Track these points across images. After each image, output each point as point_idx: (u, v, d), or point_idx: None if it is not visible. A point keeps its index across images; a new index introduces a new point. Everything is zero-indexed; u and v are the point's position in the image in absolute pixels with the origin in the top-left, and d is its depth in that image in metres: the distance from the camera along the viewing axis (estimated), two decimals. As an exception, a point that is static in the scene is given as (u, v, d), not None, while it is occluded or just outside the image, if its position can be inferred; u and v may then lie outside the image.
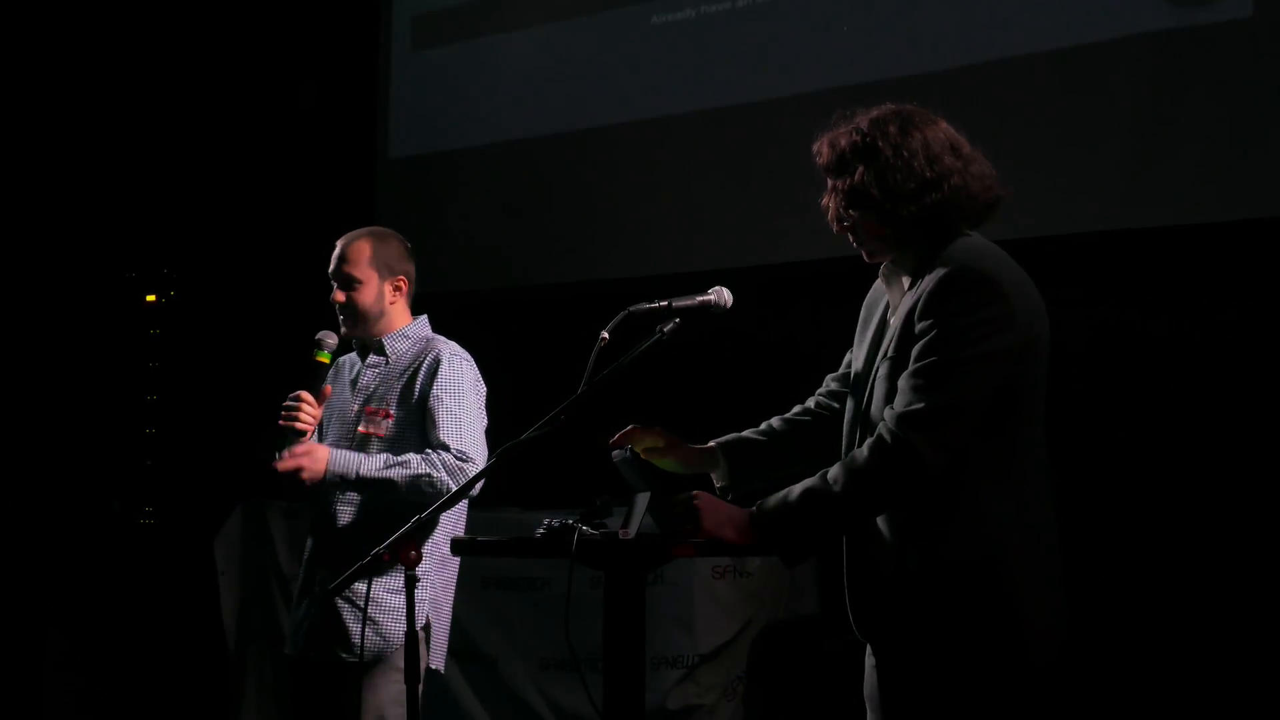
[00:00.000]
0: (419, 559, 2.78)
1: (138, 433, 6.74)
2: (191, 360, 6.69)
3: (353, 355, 3.72)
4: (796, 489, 2.45)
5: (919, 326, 2.43)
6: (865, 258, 2.64)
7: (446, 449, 3.41)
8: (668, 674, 4.62)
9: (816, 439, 2.77)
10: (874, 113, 2.58)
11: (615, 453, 2.67)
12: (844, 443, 2.61)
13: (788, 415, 2.84)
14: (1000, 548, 2.41)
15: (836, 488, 2.41)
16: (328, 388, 3.57)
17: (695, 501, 2.50)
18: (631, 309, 2.74)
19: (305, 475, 3.39)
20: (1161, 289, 4.51)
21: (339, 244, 3.65)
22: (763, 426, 2.84)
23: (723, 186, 5.35)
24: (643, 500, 2.55)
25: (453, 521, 3.54)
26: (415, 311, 3.70)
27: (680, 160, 5.48)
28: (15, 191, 6.58)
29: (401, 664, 3.29)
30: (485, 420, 3.55)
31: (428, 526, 3.31)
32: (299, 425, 3.46)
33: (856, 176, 2.54)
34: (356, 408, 3.59)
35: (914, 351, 2.42)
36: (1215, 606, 4.28)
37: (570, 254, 5.79)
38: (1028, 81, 4.69)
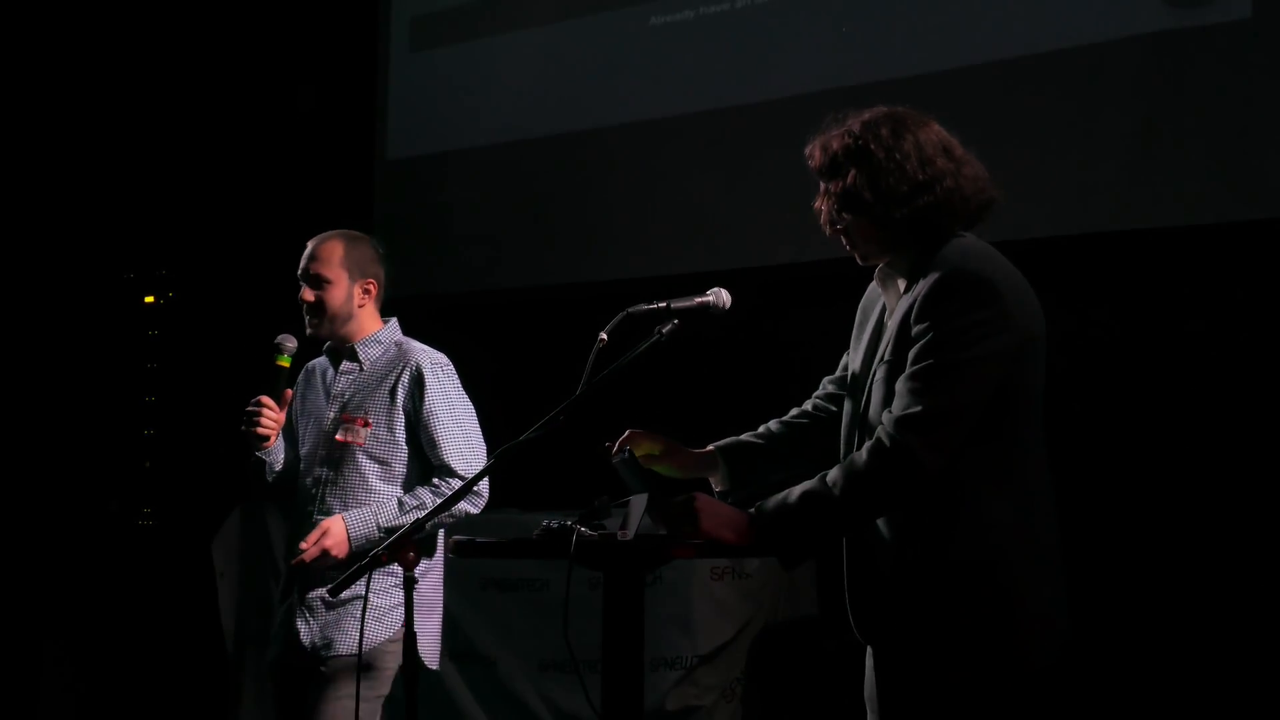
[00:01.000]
0: (417, 560, 2.79)
1: (136, 434, 6.74)
2: (190, 361, 6.69)
3: (323, 360, 3.70)
4: (795, 491, 2.45)
5: (915, 329, 2.43)
6: (859, 261, 2.64)
7: (454, 473, 3.41)
8: (666, 675, 4.62)
9: (815, 442, 2.77)
10: (866, 115, 2.58)
11: (614, 454, 2.67)
12: (842, 446, 2.61)
13: (786, 418, 2.84)
14: (1000, 549, 2.41)
15: (836, 490, 2.41)
16: (288, 391, 3.55)
17: (694, 503, 2.49)
18: (630, 310, 2.73)
19: (335, 554, 3.38)
20: (1161, 290, 4.51)
21: (310, 244, 3.63)
22: (760, 430, 2.83)
23: (722, 187, 5.35)
24: (641, 501, 2.55)
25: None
26: (404, 319, 3.68)
27: (679, 161, 5.48)
28: (15, 192, 6.58)
29: (372, 668, 3.34)
30: (479, 426, 3.54)
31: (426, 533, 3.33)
32: (260, 430, 3.48)
33: (849, 179, 2.54)
34: (333, 415, 3.56)
35: (911, 354, 2.42)
36: (1218, 607, 4.27)
37: (569, 255, 5.79)
38: (1027, 82, 4.69)
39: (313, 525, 3.47)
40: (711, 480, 2.81)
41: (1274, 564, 4.21)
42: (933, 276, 2.44)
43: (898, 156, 2.50)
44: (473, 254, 6.05)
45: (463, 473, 3.40)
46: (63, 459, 6.53)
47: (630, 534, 2.52)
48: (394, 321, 3.66)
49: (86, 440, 6.63)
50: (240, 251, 6.61)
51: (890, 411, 2.41)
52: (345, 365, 3.60)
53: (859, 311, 2.72)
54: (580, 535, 2.52)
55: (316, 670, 3.43)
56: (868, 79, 4.92)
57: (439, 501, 3.30)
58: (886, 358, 2.50)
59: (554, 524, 2.59)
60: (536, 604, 4.90)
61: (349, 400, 3.55)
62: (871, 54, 4.99)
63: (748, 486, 2.79)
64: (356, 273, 3.58)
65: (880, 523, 2.48)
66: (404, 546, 2.75)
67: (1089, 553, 4.12)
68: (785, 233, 5.02)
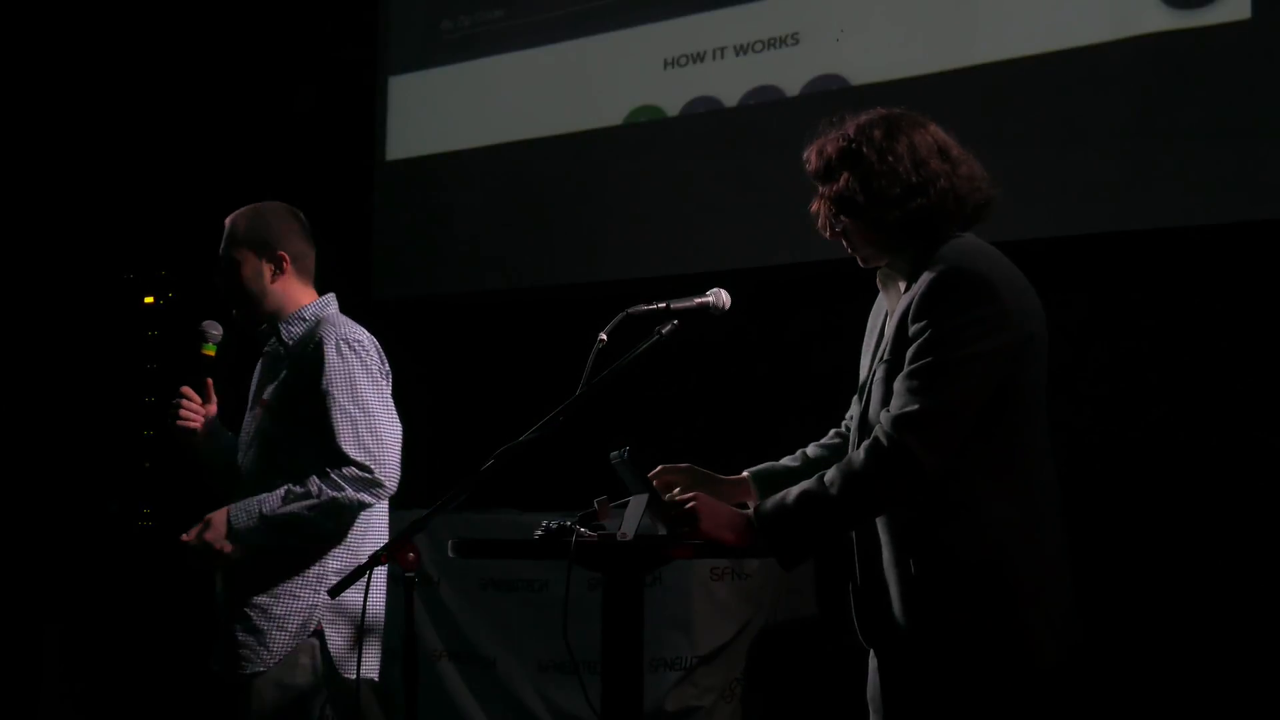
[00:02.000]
0: (417, 560, 2.77)
1: (136, 434, 6.73)
2: (189, 362, 6.68)
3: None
4: (793, 491, 2.45)
5: (913, 329, 2.43)
6: (860, 263, 2.64)
7: (347, 460, 3.12)
8: (666, 676, 4.61)
9: None
10: (861, 118, 2.58)
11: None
12: (850, 450, 2.60)
13: (822, 441, 2.84)
14: (1002, 548, 2.40)
15: (833, 490, 2.41)
16: (209, 380, 3.42)
17: (693, 503, 2.49)
18: (630, 310, 2.73)
19: (218, 547, 3.15)
20: (1161, 290, 4.51)
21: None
22: (796, 454, 2.83)
23: (722, 188, 5.35)
24: (641, 501, 2.55)
25: (369, 523, 3.28)
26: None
27: (679, 161, 5.47)
28: (14, 193, 6.58)
29: (283, 677, 3.21)
30: (390, 410, 3.23)
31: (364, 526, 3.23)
32: (182, 424, 3.37)
33: (842, 183, 2.54)
34: (250, 401, 3.36)
35: (908, 354, 2.42)
36: (1224, 608, 4.27)
37: (568, 255, 5.79)
38: (1027, 83, 4.68)
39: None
40: (749, 505, 2.79)
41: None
42: (929, 276, 2.44)
43: (890, 159, 2.50)
44: (472, 255, 6.04)
45: (358, 460, 3.11)
46: (63, 459, 6.52)
47: (630, 534, 2.52)
48: (328, 297, 3.40)
49: (86, 441, 6.62)
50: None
51: (888, 411, 2.41)
52: (269, 346, 3.38)
53: (869, 319, 2.72)
54: (580, 536, 2.52)
55: (236, 686, 3.27)
56: (867, 79, 4.92)
57: (334, 495, 3.09)
58: (885, 357, 2.50)
59: (554, 524, 2.59)
60: (536, 604, 4.90)
61: (261, 383, 3.36)
62: (871, 55, 4.99)
63: None
64: (261, 247, 3.37)
65: (882, 524, 2.48)
66: (404, 547, 2.74)
67: (1098, 553, 4.12)
68: (785, 233, 5.02)
